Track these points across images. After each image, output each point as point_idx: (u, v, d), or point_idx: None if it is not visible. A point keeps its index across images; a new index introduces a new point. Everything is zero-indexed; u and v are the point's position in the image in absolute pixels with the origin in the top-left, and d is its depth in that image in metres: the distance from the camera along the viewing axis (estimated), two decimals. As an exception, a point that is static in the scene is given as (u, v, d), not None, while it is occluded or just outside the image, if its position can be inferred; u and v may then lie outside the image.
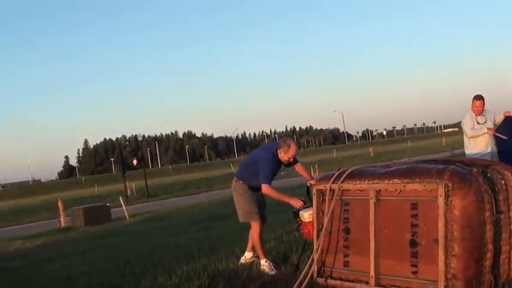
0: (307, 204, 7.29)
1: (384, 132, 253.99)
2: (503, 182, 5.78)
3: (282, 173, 8.68)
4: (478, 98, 10.72)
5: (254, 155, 8.85)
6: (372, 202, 5.95)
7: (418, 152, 50.35)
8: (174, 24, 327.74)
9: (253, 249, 8.48)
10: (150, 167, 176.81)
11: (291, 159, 8.20)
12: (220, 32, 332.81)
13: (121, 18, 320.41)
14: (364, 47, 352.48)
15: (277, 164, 8.19)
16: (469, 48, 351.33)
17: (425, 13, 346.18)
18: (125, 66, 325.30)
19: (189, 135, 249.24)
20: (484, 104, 10.72)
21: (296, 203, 7.55)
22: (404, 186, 5.68)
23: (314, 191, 6.76)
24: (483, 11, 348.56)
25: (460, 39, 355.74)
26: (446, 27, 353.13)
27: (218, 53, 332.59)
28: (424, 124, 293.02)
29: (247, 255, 8.54)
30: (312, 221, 6.84)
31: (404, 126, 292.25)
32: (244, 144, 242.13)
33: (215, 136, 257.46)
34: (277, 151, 8.05)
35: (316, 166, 29.86)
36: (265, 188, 8.01)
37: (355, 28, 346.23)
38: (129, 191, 45.14)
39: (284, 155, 8.03)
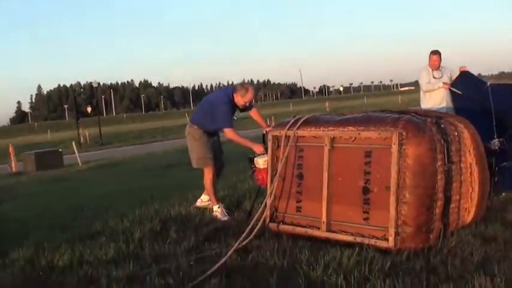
0: None
1: (341, 89, 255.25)
2: (456, 133, 5.87)
3: (235, 118, 8.59)
4: (435, 52, 10.81)
5: (210, 99, 8.73)
6: (326, 149, 5.98)
7: (374, 109, 50.31)
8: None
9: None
10: (105, 115, 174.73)
11: (247, 104, 8.16)
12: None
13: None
14: (326, 3, 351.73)
15: (233, 108, 8.14)
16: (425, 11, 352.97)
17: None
18: (82, 13, 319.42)
19: (145, 85, 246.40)
20: (440, 59, 10.82)
21: (258, 148, 7.49)
22: (359, 133, 5.72)
23: (269, 137, 6.77)
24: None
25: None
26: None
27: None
28: (381, 82, 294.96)
29: (204, 197, 8.50)
30: (266, 168, 6.86)
31: (361, 83, 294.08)
32: (201, 95, 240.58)
33: (172, 86, 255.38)
34: (233, 95, 7.98)
35: (272, 118, 29.95)
36: (228, 132, 7.89)
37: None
38: (82, 138, 44.63)
39: (241, 99, 7.96)
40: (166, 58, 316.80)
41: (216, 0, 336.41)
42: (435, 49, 10.88)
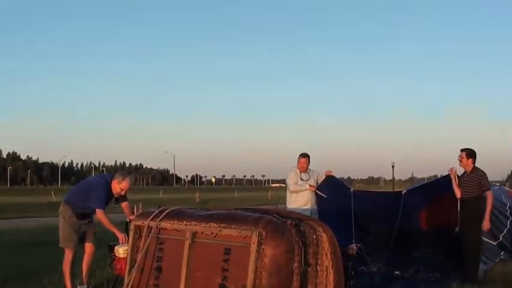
0: None
1: (213, 180, 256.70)
2: (314, 236, 6.02)
3: (115, 205, 8.64)
4: (304, 155, 11.19)
5: (87, 181, 8.92)
6: (187, 243, 5.99)
7: (244, 203, 51.08)
8: None
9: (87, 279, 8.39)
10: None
11: (122, 193, 8.25)
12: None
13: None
14: (198, 90, 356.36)
15: (110, 194, 8.21)
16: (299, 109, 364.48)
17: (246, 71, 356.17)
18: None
19: (14, 157, 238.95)
20: (308, 161, 11.20)
21: (121, 235, 7.54)
22: (220, 230, 5.77)
23: (131, 227, 6.71)
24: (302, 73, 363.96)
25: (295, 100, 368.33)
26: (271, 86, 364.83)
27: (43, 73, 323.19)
28: (253, 176, 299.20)
29: None
30: (126, 257, 6.78)
31: (234, 176, 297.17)
32: (70, 173, 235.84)
33: (41, 161, 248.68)
34: (111, 181, 8.07)
35: (140, 204, 29.55)
36: (99, 213, 8.00)
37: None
38: None
39: (117, 186, 8.12)
40: (37, 131, 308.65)
41: (91, 86, 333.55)
42: (304, 152, 11.25)
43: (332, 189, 11.79)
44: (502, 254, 10.76)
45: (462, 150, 9.64)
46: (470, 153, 9.57)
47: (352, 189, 12.17)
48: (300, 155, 11.24)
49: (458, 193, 9.72)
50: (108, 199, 8.33)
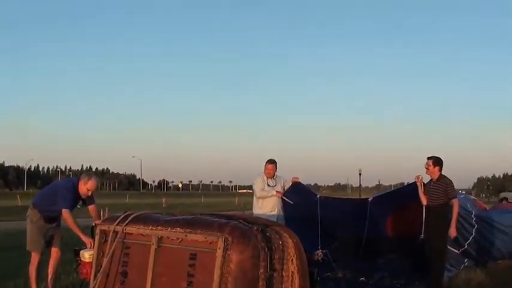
0: None
1: (180, 185, 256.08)
2: (280, 242, 6.04)
3: (78, 207, 8.64)
4: (271, 162, 11.21)
5: (54, 184, 9.04)
6: (152, 248, 5.97)
7: (210, 208, 51.05)
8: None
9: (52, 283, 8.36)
10: None
11: (89, 193, 8.28)
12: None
13: None
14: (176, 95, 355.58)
15: (77, 196, 8.24)
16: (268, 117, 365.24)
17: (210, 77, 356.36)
18: None
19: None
20: (275, 168, 11.21)
21: (87, 239, 7.51)
22: (186, 235, 5.75)
23: (97, 231, 6.67)
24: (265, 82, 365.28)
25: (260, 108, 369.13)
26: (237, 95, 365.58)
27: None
28: (220, 182, 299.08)
29: None
30: (92, 262, 6.74)
31: (201, 181, 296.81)
32: (36, 177, 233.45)
33: (6, 164, 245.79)
34: (78, 183, 8.08)
35: (107, 209, 29.42)
36: (65, 213, 8.00)
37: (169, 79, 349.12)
38: None
39: (83, 186, 8.16)
40: (2, 135, 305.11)
41: (56, 89, 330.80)
42: (271, 158, 11.27)
43: (299, 195, 11.83)
44: (466, 261, 10.88)
45: (429, 158, 9.72)
46: (436, 161, 9.65)
47: (318, 196, 12.23)
48: (267, 161, 11.27)
49: (424, 200, 9.81)
50: (76, 201, 8.34)
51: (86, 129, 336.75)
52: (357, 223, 11.67)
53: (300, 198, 11.93)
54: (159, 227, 6.02)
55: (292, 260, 6.14)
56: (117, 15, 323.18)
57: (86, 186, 8.18)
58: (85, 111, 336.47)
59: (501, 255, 11.92)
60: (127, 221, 6.36)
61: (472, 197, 14.59)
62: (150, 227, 6.10)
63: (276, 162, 11.25)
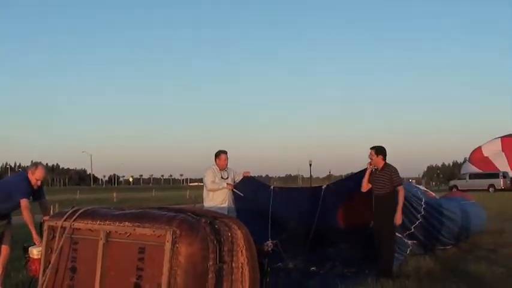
0: None
1: (131, 179, 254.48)
2: (229, 234, 6.06)
3: (32, 201, 8.59)
4: (224, 152, 11.11)
5: (5, 180, 8.97)
6: (101, 243, 5.94)
7: (162, 202, 50.81)
8: None
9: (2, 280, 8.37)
10: None
11: (38, 183, 8.22)
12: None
13: None
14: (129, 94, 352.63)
15: (31, 188, 8.19)
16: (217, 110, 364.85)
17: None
18: None
19: None
20: (227, 159, 11.13)
21: (36, 238, 7.47)
22: (134, 229, 5.74)
23: (45, 227, 6.61)
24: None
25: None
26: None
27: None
28: (171, 176, 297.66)
29: None
30: (40, 258, 6.68)
31: (152, 175, 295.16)
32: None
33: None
34: (28, 173, 8.08)
35: (57, 205, 29.11)
36: (23, 202, 7.97)
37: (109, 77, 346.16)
38: None
39: (32, 176, 8.12)
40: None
41: (4, 82, 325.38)
42: (223, 149, 11.19)
43: (251, 187, 11.85)
44: (410, 244, 11.01)
45: (371, 148, 9.85)
46: (379, 150, 9.77)
47: (272, 187, 12.22)
48: (220, 151, 11.11)
49: (364, 187, 9.94)
50: (30, 193, 8.24)
51: (33, 124, 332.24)
52: (308, 213, 11.71)
53: (252, 191, 11.96)
54: (107, 222, 5.99)
55: (241, 252, 6.17)
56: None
57: (34, 176, 8.12)
58: (34, 106, 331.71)
59: (449, 240, 12.15)
60: (75, 217, 6.31)
61: (423, 187, 14.80)
62: (98, 222, 6.06)
63: (227, 153, 11.18)
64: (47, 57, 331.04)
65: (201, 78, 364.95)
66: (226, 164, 11.17)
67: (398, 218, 9.51)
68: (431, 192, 13.89)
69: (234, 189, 11.18)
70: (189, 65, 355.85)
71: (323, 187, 11.78)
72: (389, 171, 9.58)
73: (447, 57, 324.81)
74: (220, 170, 11.09)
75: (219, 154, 11.17)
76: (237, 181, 11.47)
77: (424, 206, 11.21)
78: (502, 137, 71.28)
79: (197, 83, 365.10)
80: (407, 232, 10.81)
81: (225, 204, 10.84)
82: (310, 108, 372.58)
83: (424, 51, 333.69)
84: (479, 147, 72.55)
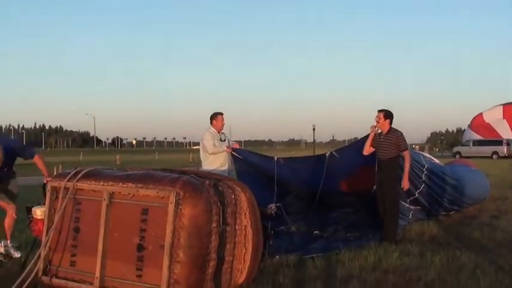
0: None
1: (134, 142, 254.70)
2: (233, 196, 6.06)
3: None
4: (221, 113, 10.92)
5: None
6: (104, 204, 5.94)
7: (164, 165, 50.88)
8: None
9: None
10: None
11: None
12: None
13: None
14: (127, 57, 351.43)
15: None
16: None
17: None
18: None
19: None
20: (224, 120, 10.91)
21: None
22: (137, 190, 5.74)
23: (48, 188, 6.59)
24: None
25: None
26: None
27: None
28: (174, 139, 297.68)
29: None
30: (44, 218, 6.67)
31: (155, 138, 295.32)
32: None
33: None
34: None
35: (60, 166, 29.18)
36: (38, 156, 8.29)
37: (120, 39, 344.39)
38: None
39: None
40: None
41: (10, 44, 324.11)
42: (219, 111, 10.98)
43: (253, 159, 11.79)
44: (413, 209, 10.98)
45: (380, 111, 9.70)
46: (387, 114, 9.64)
47: (276, 157, 12.10)
48: (217, 113, 10.96)
49: (367, 149, 9.86)
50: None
51: (38, 86, 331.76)
52: (312, 179, 11.66)
53: (255, 158, 11.91)
54: (110, 183, 5.99)
55: (245, 214, 6.17)
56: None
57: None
58: (36, 69, 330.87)
59: (452, 206, 12.12)
60: (78, 177, 6.30)
61: (427, 154, 14.72)
62: (102, 183, 6.06)
63: (223, 115, 10.97)
64: (52, 18, 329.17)
65: (206, 38, 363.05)
66: (223, 126, 10.99)
67: (405, 183, 9.45)
68: (436, 160, 13.82)
69: (233, 152, 11.06)
70: (195, 25, 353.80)
71: (326, 154, 11.67)
72: (395, 135, 9.47)
73: (452, 21, 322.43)
74: (218, 132, 10.90)
75: (215, 116, 10.95)
76: (230, 144, 11.27)
77: (426, 172, 11.15)
78: (504, 104, 70.81)
79: (202, 44, 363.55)
80: (411, 198, 10.78)
81: (225, 167, 10.71)
82: (314, 72, 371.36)
83: (425, 16, 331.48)
84: (480, 114, 72.04)
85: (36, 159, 8.28)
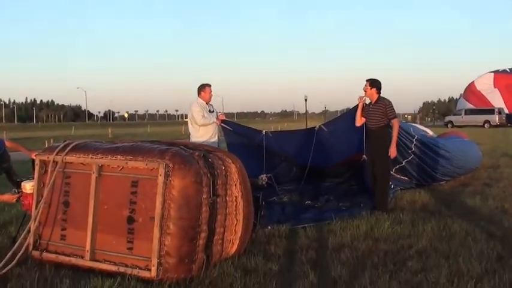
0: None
1: (126, 115, 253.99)
2: (223, 167, 6.04)
3: None
4: (208, 85, 10.69)
5: None
6: (93, 177, 5.91)
7: (156, 138, 50.52)
8: None
9: None
10: None
11: None
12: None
13: None
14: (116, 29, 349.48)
15: None
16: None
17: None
18: None
19: None
20: (211, 91, 10.72)
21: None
22: (126, 163, 5.71)
23: (37, 162, 6.55)
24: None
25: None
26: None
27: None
28: (166, 111, 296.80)
29: None
30: (33, 193, 6.64)
31: (147, 111, 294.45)
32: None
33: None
34: None
35: (52, 140, 29.12)
36: (8, 142, 8.39)
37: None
38: None
39: None
40: None
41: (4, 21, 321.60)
42: (207, 82, 10.80)
43: (242, 132, 11.75)
44: (402, 179, 10.98)
45: (367, 80, 9.67)
46: (373, 83, 9.58)
47: (264, 131, 12.00)
48: (204, 84, 10.75)
49: (358, 121, 9.85)
50: None
51: (28, 60, 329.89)
52: (302, 151, 11.62)
53: (244, 130, 11.87)
54: (99, 155, 5.95)
55: (235, 185, 6.16)
56: None
57: None
58: (28, 43, 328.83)
59: (443, 178, 12.13)
60: (66, 150, 6.25)
61: (422, 126, 14.72)
62: (90, 156, 6.02)
63: (211, 86, 10.79)
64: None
65: (195, 12, 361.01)
66: (211, 97, 10.84)
67: (392, 151, 9.41)
68: (430, 132, 13.82)
69: (223, 124, 10.97)
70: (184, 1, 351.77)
71: (316, 128, 11.62)
72: (383, 104, 9.43)
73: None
74: (207, 103, 10.71)
75: (203, 87, 10.71)
76: (218, 116, 11.12)
77: (415, 143, 11.12)
78: (494, 72, 70.81)
79: (192, 17, 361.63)
80: (397, 166, 10.77)
81: (215, 139, 10.56)
82: (306, 42, 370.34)
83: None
84: (472, 82, 72.12)
85: (8, 145, 8.26)
